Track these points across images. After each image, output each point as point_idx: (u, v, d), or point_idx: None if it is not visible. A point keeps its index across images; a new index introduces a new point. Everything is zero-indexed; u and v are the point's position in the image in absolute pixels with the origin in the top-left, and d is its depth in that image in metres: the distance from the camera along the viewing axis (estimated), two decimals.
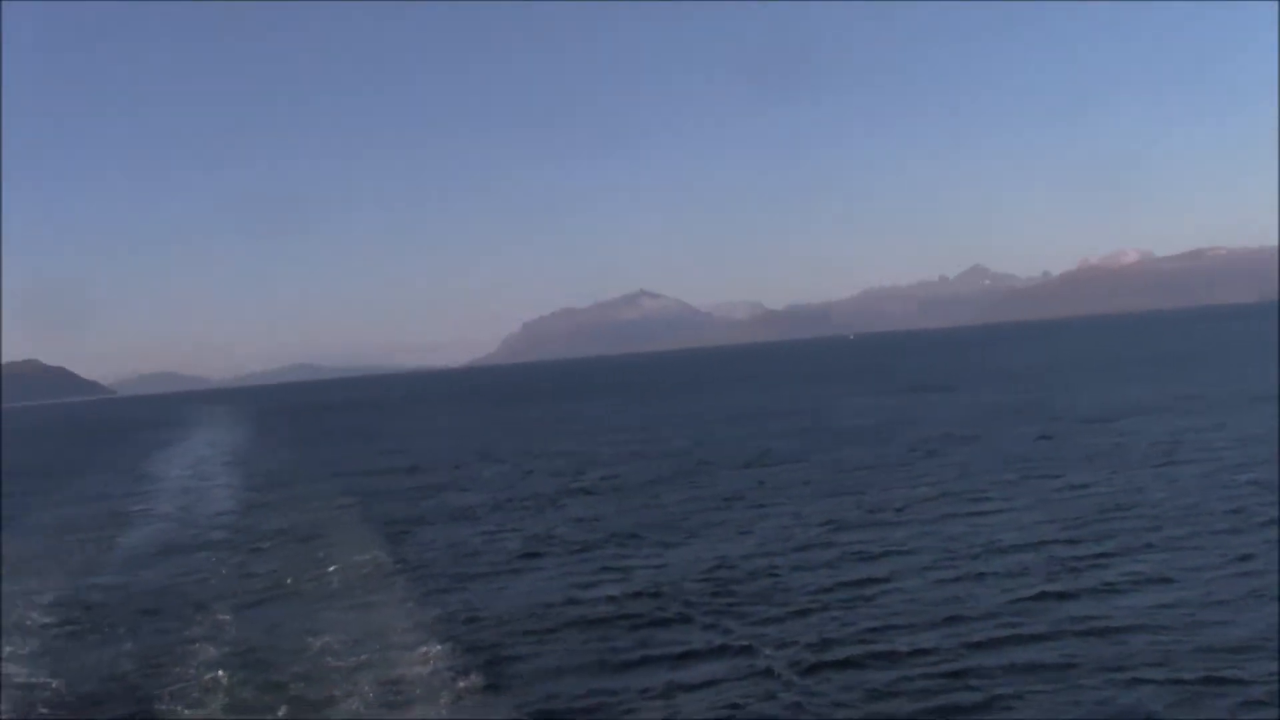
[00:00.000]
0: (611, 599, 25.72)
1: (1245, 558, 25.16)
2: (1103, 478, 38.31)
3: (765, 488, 42.19)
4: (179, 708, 19.59)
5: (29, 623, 27.49)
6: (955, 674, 18.79)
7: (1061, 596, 23.11)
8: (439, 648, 22.01)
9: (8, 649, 24.73)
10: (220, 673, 21.31)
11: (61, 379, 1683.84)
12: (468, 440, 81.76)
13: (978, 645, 20.19)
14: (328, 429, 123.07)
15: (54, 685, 21.64)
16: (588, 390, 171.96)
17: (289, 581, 30.59)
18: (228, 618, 26.41)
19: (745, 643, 21.05)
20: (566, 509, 41.17)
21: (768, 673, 19.22)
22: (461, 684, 19.47)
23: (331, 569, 31.81)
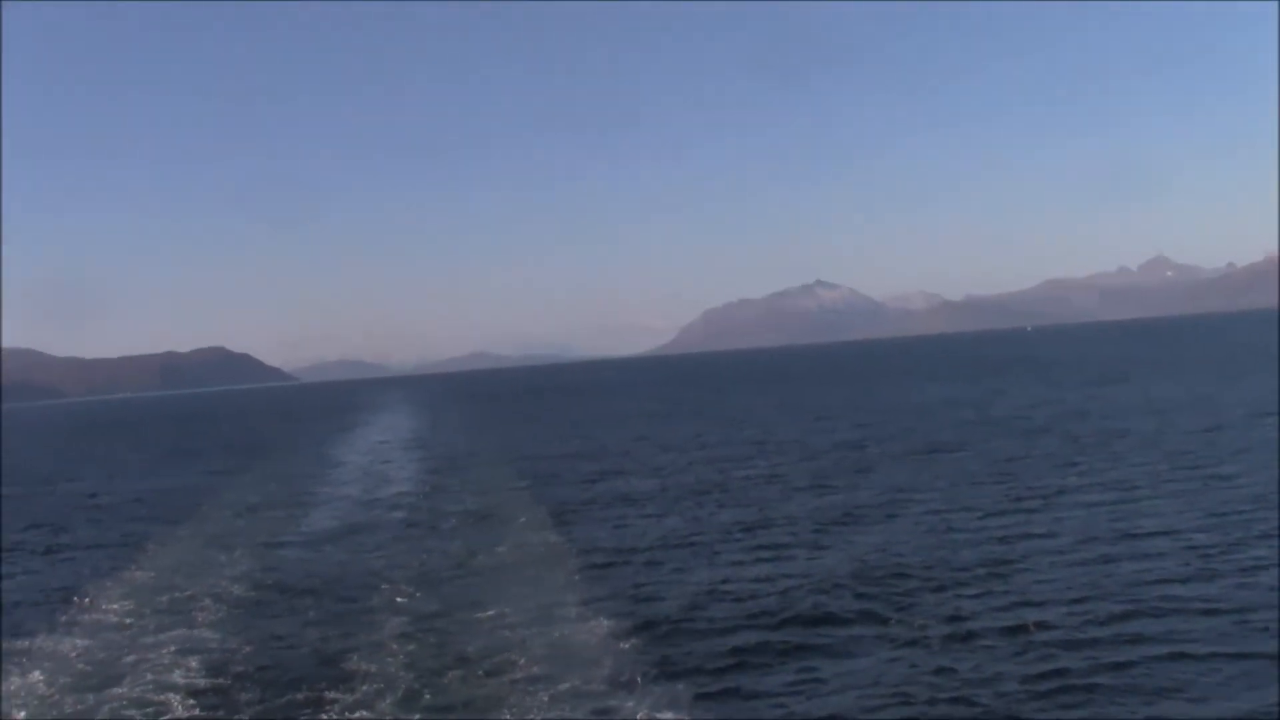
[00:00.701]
0: (771, 583, 26.14)
1: None
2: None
3: (934, 480, 41.95)
4: (363, 671, 20.64)
5: (222, 592, 29.00)
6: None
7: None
8: (605, 624, 22.76)
9: (204, 615, 26.29)
10: (398, 645, 22.39)
11: (246, 365, 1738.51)
12: (640, 427, 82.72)
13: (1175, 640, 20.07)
14: (504, 415, 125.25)
15: (244, 650, 22.92)
16: (763, 379, 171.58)
17: (465, 559, 31.71)
18: (407, 592, 27.54)
19: (911, 634, 21.23)
20: (733, 496, 41.72)
21: (938, 670, 19.23)
22: (632, 667, 19.84)
23: (505, 548, 32.90)
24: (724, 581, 26.82)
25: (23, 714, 19.33)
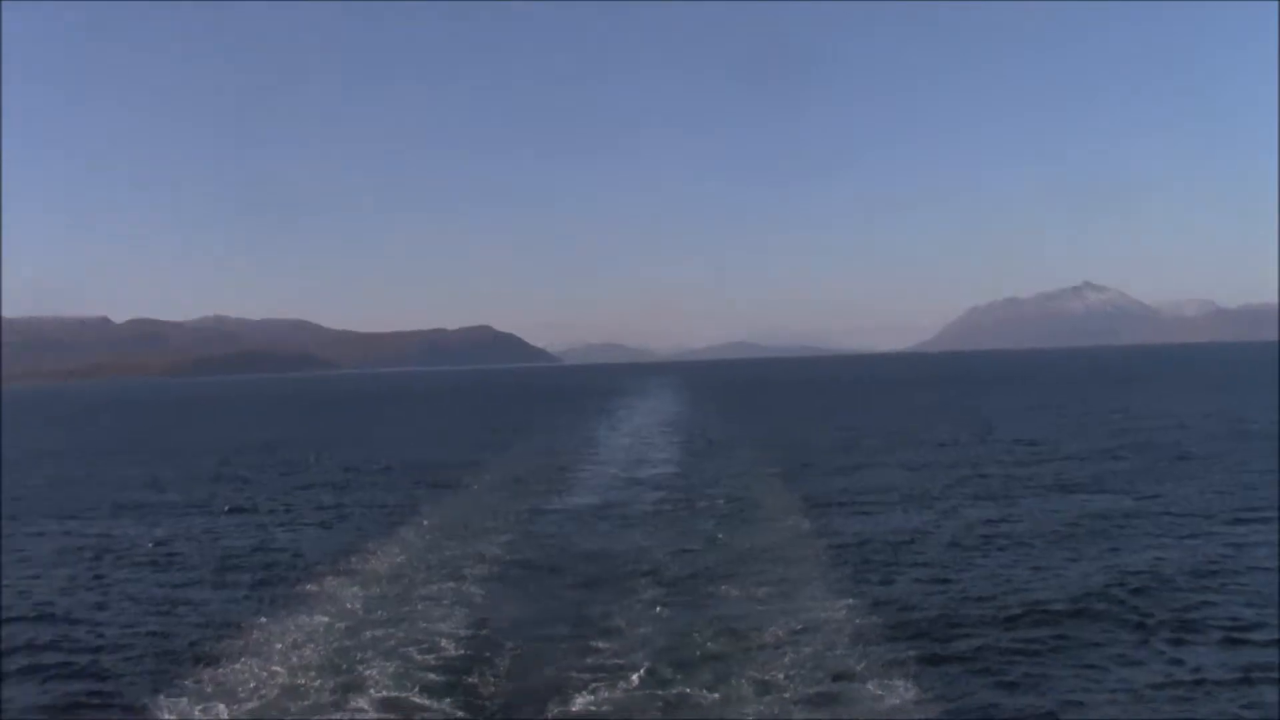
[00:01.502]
0: (1018, 583, 26.19)
1: None
2: None
3: (1192, 493, 40.75)
4: (616, 629, 22.07)
5: (487, 554, 30.81)
6: None
7: None
8: (846, 604, 23.56)
9: (471, 574, 28.04)
10: (650, 610, 23.76)
11: (511, 344, 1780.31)
12: (897, 422, 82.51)
13: None
14: (761, 404, 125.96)
15: (506, 606, 24.63)
16: (1022, 382, 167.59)
17: (717, 538, 32.74)
18: (661, 564, 28.79)
19: (1160, 646, 21.03)
20: (989, 495, 41.31)
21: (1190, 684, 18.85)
22: (869, 648, 20.32)
23: (756, 530, 33.97)
24: (967, 577, 27.11)
25: (309, 648, 21.22)
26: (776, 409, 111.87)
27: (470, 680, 19.20)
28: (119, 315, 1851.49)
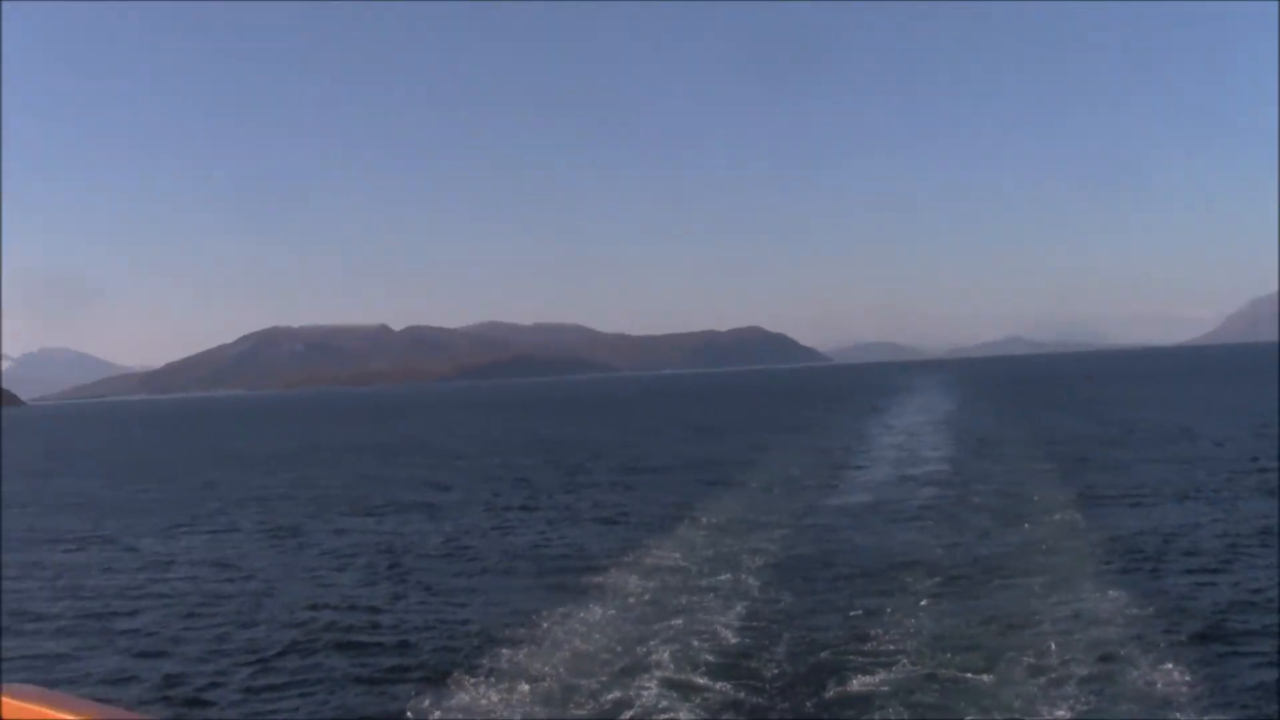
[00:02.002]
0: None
1: None
2: None
3: None
4: (892, 621, 22.50)
5: (762, 549, 31.60)
6: None
7: None
8: (1121, 598, 23.43)
9: (747, 567, 28.94)
10: (923, 603, 24.16)
11: (782, 344, 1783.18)
12: (1175, 417, 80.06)
13: None
14: (1034, 400, 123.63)
15: (782, 599, 25.31)
16: None
17: (991, 534, 32.90)
18: (934, 561, 28.99)
19: None
20: (1265, 497, 39.00)
21: None
22: (1155, 658, 19.37)
23: (1029, 526, 33.77)
24: (1242, 570, 26.54)
25: (595, 635, 22.32)
26: (1048, 405, 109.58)
27: (750, 664, 19.94)
28: (398, 323, 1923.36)
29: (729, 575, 27.82)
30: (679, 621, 23.05)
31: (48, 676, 21.78)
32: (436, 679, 19.96)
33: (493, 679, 19.63)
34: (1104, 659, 19.18)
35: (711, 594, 25.84)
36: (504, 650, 21.46)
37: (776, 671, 19.55)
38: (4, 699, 4.17)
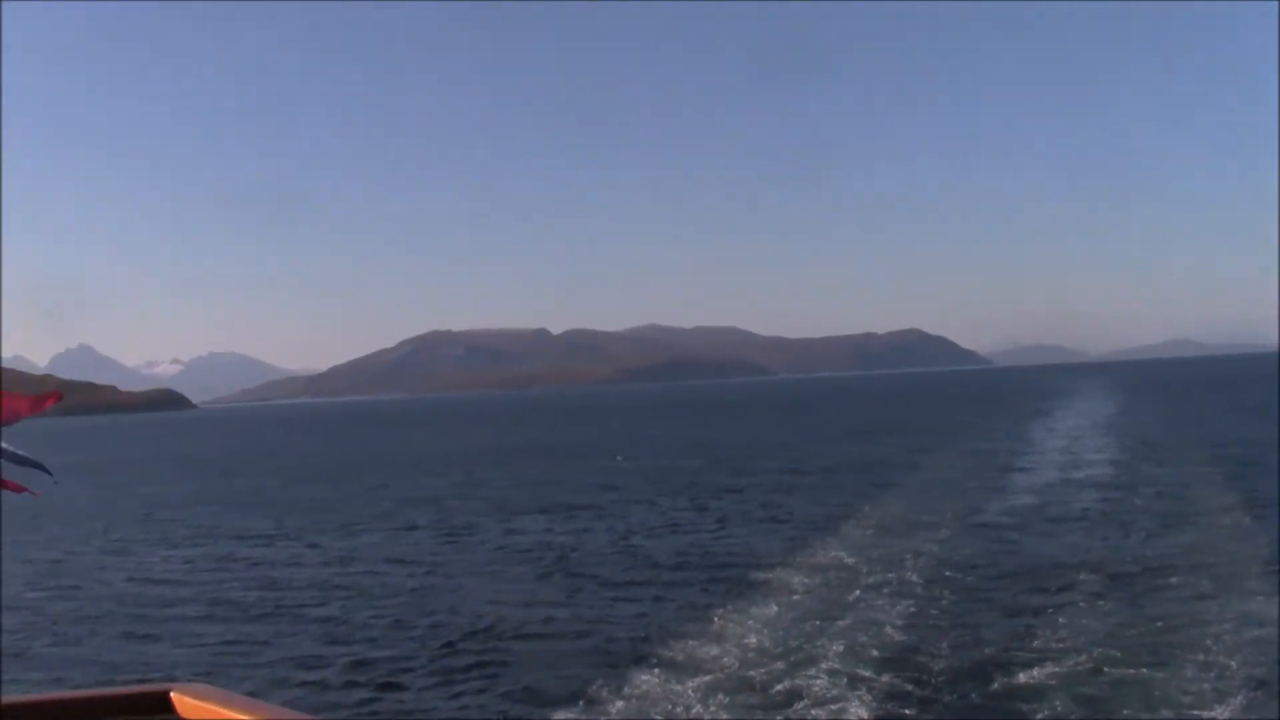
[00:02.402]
0: None
1: None
2: None
3: None
4: (1054, 624, 22.68)
5: (924, 551, 31.99)
6: None
7: None
8: None
9: (911, 567, 29.37)
10: (1087, 606, 24.23)
11: (940, 347, 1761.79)
12: None
13: None
14: (1202, 402, 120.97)
15: (944, 598, 25.74)
16: None
17: (1155, 538, 32.74)
18: (1097, 565, 28.87)
19: None
20: None
21: None
22: None
23: (1195, 531, 33.61)
24: None
25: (766, 631, 22.93)
26: (1217, 408, 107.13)
27: (916, 658, 20.39)
28: (557, 326, 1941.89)
29: (894, 574, 28.35)
30: (846, 617, 23.64)
31: (248, 661, 23.30)
32: (611, 670, 20.66)
33: (665, 670, 20.29)
34: (1275, 661, 19.19)
35: (877, 591, 26.43)
36: (675, 643, 22.18)
37: (942, 665, 19.99)
38: (176, 697, 4.29)
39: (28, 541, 43.21)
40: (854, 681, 19.00)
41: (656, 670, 20.30)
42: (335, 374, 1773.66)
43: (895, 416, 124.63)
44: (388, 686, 21.00)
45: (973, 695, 18.42)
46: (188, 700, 4.20)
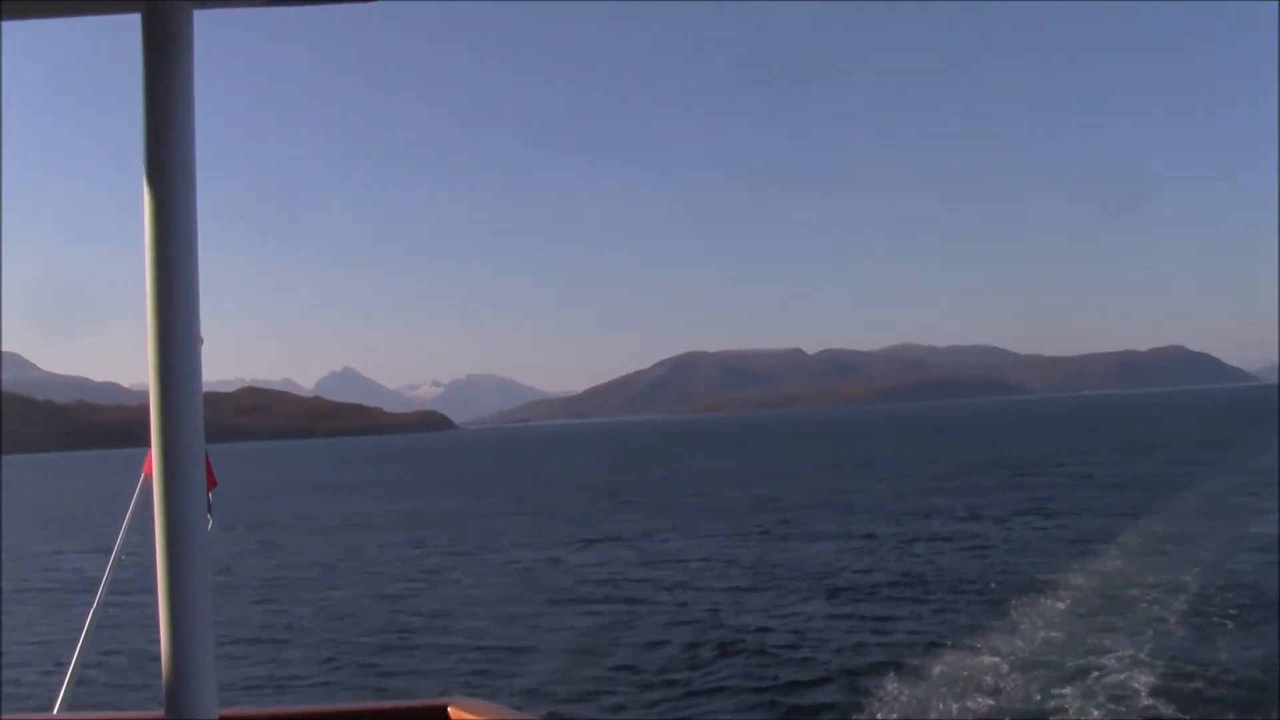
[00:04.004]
0: None
1: None
2: None
3: None
4: None
5: (1199, 560, 32.08)
6: None
7: None
8: None
9: (1189, 569, 29.30)
10: None
11: (1205, 364, 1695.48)
12: None
13: None
14: None
15: (1222, 597, 26.43)
16: None
17: None
18: None
19: None
20: None
21: None
22: None
23: None
24: None
25: (1038, 643, 23.24)
26: None
27: (1188, 668, 20.33)
28: (812, 346, 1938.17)
29: (1168, 591, 27.98)
30: (1120, 632, 23.50)
31: (525, 672, 24.14)
32: (892, 677, 20.95)
33: (932, 683, 20.56)
34: None
35: (1153, 592, 27.07)
36: (953, 654, 22.57)
37: (1223, 677, 19.75)
38: (453, 713, 4.39)
39: (348, 553, 47.79)
40: (1129, 699, 18.91)
41: (923, 683, 20.63)
42: (591, 395, 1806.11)
43: (1163, 433, 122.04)
44: (653, 700, 21.42)
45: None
46: (465, 716, 4.33)
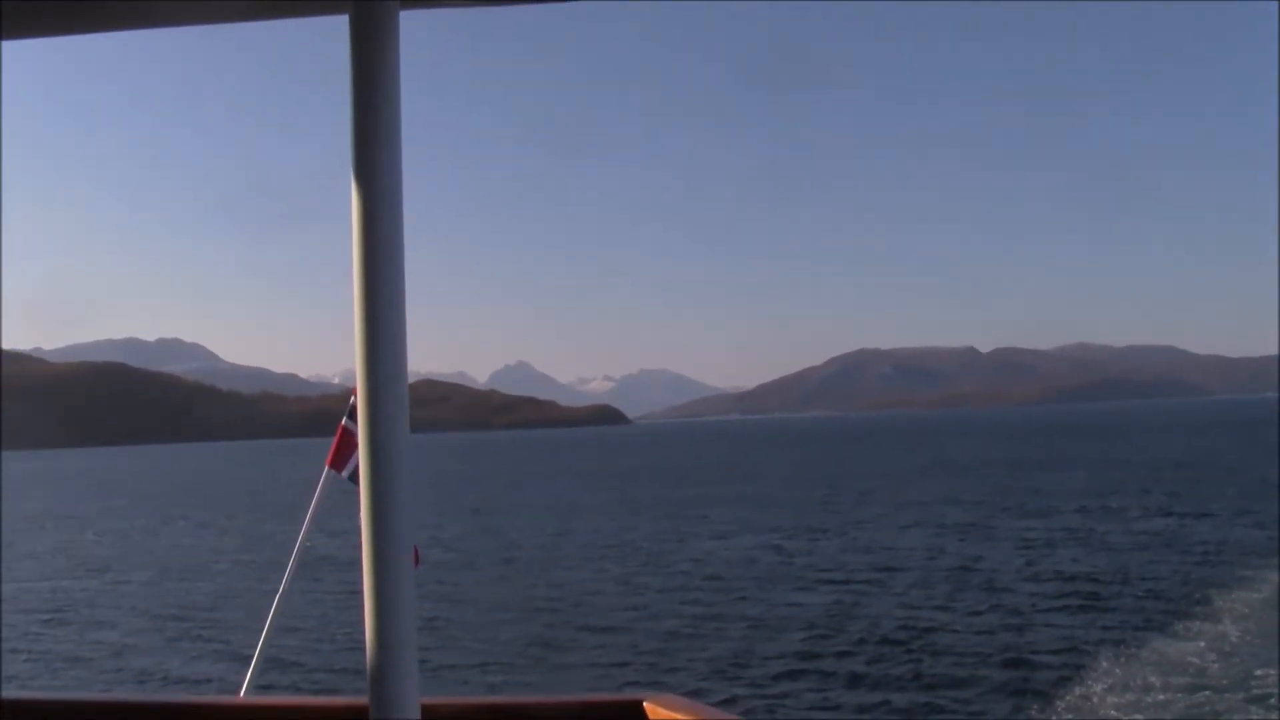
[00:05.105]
0: None
1: None
2: None
3: None
4: None
5: None
6: None
7: None
8: None
9: None
10: None
11: None
12: None
13: None
14: None
15: None
16: None
17: None
18: None
19: None
20: None
21: None
22: None
23: None
24: None
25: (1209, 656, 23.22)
26: None
27: None
28: (985, 344, 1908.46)
29: None
30: None
31: (721, 670, 24.20)
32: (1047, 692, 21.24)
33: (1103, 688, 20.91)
34: None
35: None
36: (1127, 652, 23.25)
37: None
38: (649, 707, 4.33)
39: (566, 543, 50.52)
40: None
41: (1099, 685, 20.92)
42: (763, 391, 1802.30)
43: None
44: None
45: None
46: (660, 710, 4.29)
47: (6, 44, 2.88)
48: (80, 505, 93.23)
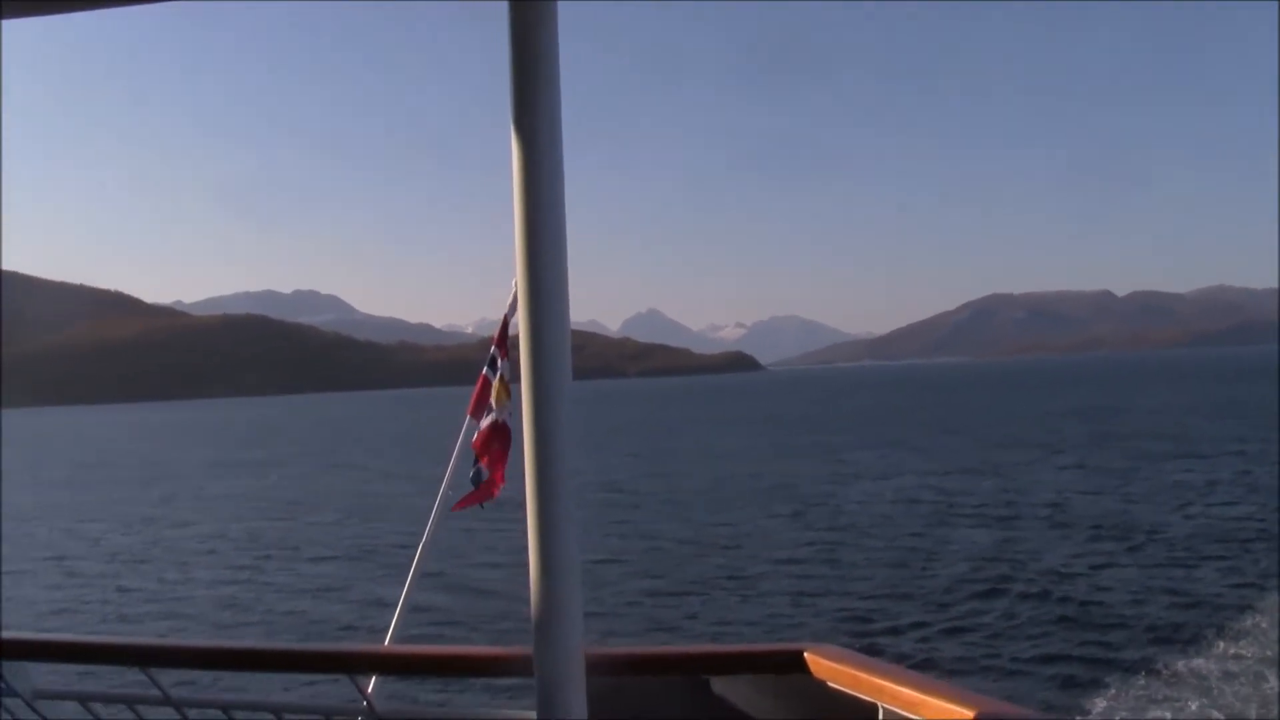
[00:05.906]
0: None
1: None
2: None
3: None
4: None
5: None
6: None
7: None
8: None
9: None
10: None
11: None
12: None
13: None
14: None
15: None
16: None
17: None
18: None
19: None
20: None
21: None
22: None
23: None
24: None
25: None
26: None
27: None
28: (1121, 288, 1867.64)
29: None
30: None
31: (886, 623, 23.79)
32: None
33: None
34: None
35: None
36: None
37: None
38: (810, 657, 4.32)
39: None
40: None
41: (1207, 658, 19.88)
42: (895, 337, 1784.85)
43: None
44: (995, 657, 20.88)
45: None
46: (821, 661, 4.27)
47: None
48: (248, 453, 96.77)
